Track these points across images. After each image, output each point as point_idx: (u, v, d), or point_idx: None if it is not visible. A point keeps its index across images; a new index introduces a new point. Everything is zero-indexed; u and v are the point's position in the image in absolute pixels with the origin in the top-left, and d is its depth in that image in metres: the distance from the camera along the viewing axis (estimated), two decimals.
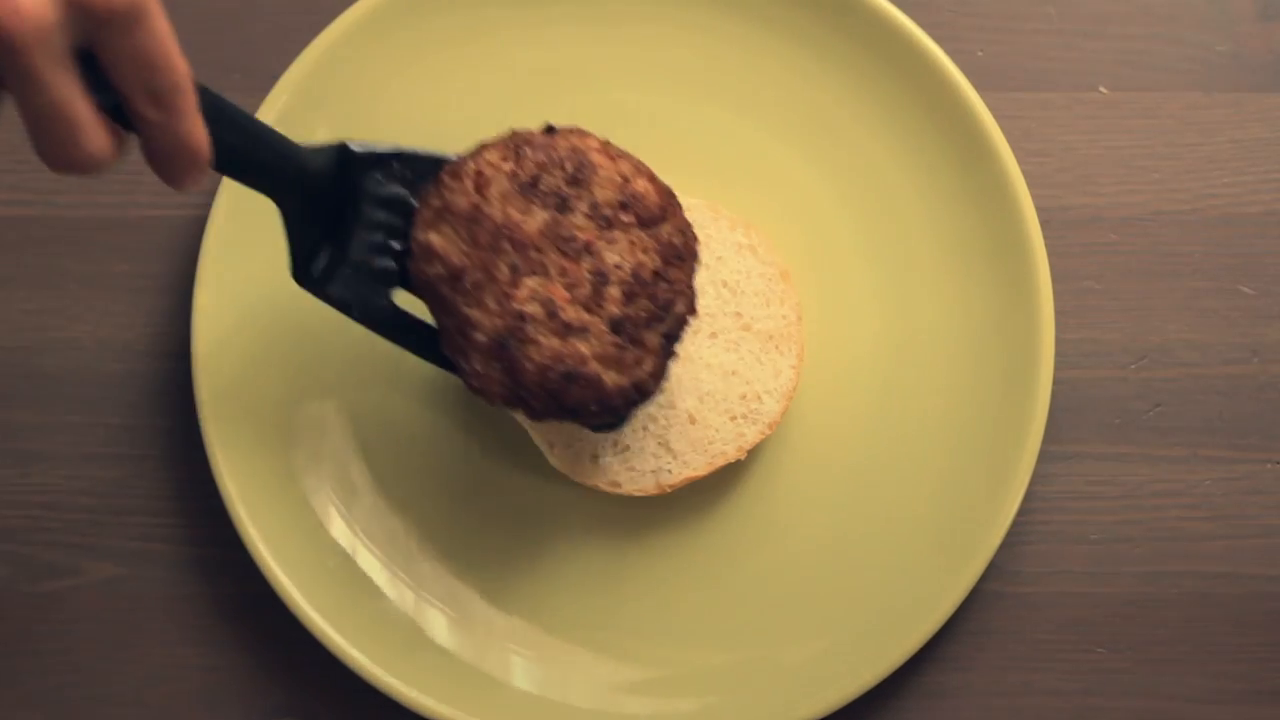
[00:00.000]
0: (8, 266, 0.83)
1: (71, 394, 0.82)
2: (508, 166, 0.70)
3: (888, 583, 0.79)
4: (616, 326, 0.71)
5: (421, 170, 0.72)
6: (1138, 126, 0.84)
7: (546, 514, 0.80)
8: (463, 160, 0.71)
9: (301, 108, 0.80)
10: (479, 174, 0.70)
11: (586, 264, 0.70)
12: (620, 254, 0.71)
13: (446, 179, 0.71)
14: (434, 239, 0.71)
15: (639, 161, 0.73)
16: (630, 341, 0.71)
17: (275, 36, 0.84)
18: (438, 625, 0.79)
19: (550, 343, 0.70)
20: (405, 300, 0.73)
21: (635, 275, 0.71)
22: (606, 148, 0.72)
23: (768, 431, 0.78)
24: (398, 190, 0.72)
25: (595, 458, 0.78)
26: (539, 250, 0.70)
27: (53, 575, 0.81)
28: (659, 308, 0.71)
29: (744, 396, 0.79)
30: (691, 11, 0.82)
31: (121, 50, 0.57)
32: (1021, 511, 0.81)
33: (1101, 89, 0.84)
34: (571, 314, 0.70)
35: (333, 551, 0.79)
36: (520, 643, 0.79)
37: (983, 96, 0.81)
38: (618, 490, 0.78)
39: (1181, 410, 0.82)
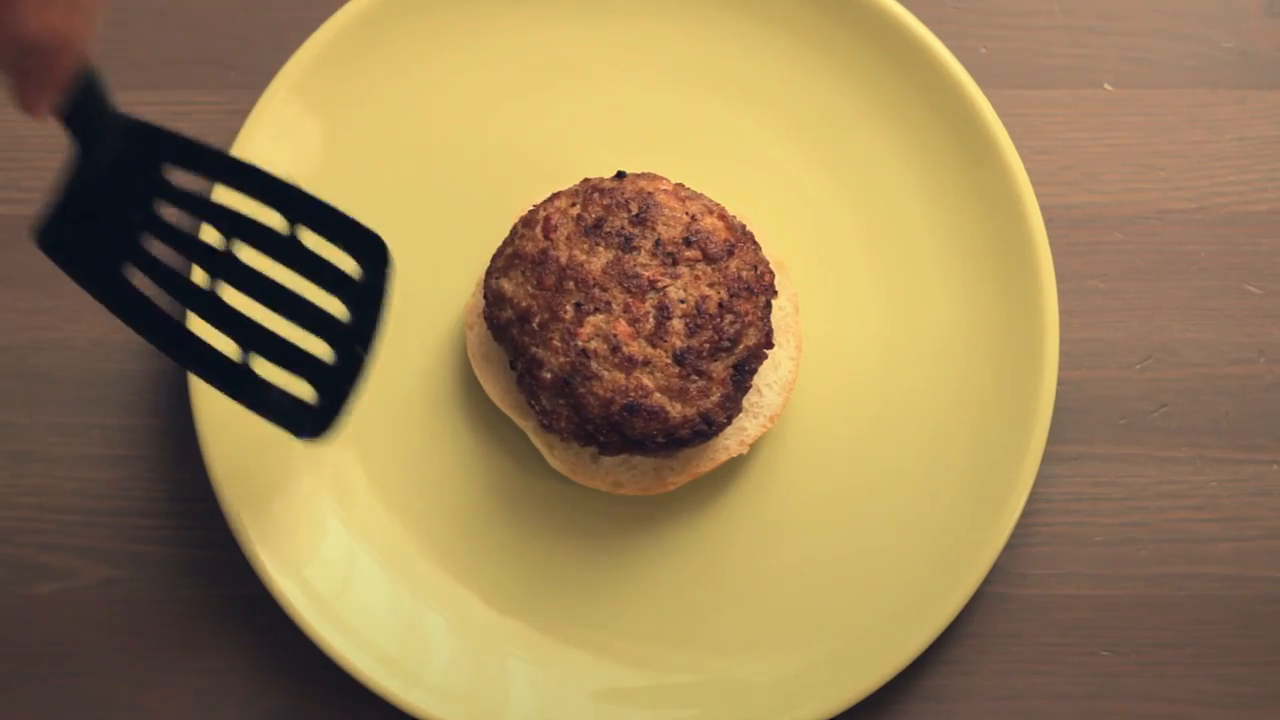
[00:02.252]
0: (1, 266, 0.82)
1: (66, 394, 0.82)
2: (574, 211, 0.74)
3: (890, 585, 0.79)
4: (679, 359, 0.73)
5: (206, 164, 0.66)
6: (1143, 124, 0.83)
7: (546, 515, 0.80)
8: (536, 208, 0.75)
9: (297, 104, 0.80)
10: (547, 219, 0.74)
11: (651, 300, 0.73)
12: (684, 289, 0.74)
13: (520, 228, 0.75)
14: (504, 285, 0.74)
15: (713, 202, 0.76)
16: (694, 373, 0.73)
17: (271, 33, 0.83)
18: (436, 627, 0.79)
19: (614, 377, 0.73)
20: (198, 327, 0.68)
21: (698, 308, 0.73)
22: (678, 189, 0.75)
23: (769, 425, 0.78)
24: (177, 176, 0.65)
25: (595, 458, 0.78)
26: (603, 288, 0.73)
27: (47, 577, 0.81)
28: (724, 339, 0.73)
29: None
30: (692, 6, 0.81)
31: None
32: (1025, 513, 0.81)
33: (1106, 86, 0.83)
34: (635, 348, 0.73)
35: (330, 554, 0.79)
36: (520, 645, 0.79)
37: (986, 93, 0.81)
38: (620, 490, 0.78)
39: (1187, 411, 0.82)
